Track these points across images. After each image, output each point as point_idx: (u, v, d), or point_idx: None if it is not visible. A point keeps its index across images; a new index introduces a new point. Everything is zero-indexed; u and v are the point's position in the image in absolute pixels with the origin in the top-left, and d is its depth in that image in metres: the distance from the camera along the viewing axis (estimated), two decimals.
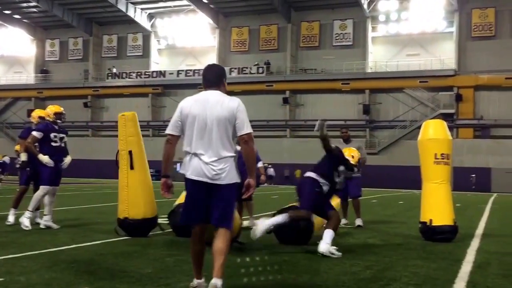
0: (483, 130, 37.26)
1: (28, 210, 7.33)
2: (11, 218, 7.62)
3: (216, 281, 3.55)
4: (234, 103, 3.71)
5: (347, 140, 9.03)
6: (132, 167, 6.86)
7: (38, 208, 7.69)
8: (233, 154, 3.70)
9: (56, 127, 7.68)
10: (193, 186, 3.67)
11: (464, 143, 36.76)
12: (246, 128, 3.70)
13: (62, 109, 7.90)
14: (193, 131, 3.68)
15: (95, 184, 28.02)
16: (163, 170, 3.81)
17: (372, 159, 37.97)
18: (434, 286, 4.35)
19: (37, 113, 8.10)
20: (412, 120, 38.09)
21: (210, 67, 4.00)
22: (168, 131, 3.81)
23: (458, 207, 15.67)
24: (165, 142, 3.79)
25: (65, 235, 6.84)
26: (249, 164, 3.76)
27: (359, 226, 8.84)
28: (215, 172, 3.62)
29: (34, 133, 7.48)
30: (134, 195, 6.84)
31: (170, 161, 3.78)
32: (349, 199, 9.22)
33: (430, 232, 7.16)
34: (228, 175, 3.65)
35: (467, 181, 35.54)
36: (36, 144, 7.49)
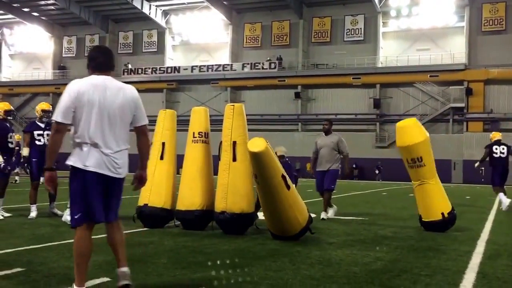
0: (493, 124, 37.27)
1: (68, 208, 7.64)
2: (33, 214, 7.81)
3: (125, 269, 3.51)
4: (135, 91, 3.49)
5: (327, 132, 9.04)
6: (162, 158, 7.13)
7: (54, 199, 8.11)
8: (128, 146, 3.49)
9: (42, 124, 8.15)
10: (92, 179, 3.29)
11: (474, 136, 37.03)
12: (145, 119, 3.52)
13: (50, 106, 8.31)
14: (91, 120, 3.29)
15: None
16: (49, 163, 3.35)
17: (382, 153, 38.75)
18: (445, 277, 4.32)
19: (41, 106, 8.38)
20: (423, 114, 38.36)
21: (105, 50, 3.57)
22: (59, 118, 3.26)
23: (468, 199, 15.96)
24: (53, 132, 3.32)
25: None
26: (144, 157, 3.61)
27: (323, 219, 8.56)
28: (117, 166, 3.37)
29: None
30: (158, 184, 7.01)
31: (57, 152, 3.36)
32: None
33: (424, 226, 7.54)
34: (125, 168, 3.46)
35: (477, 174, 35.91)
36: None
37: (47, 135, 7.81)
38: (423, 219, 7.56)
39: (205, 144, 7.12)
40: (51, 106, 8.31)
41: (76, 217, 3.35)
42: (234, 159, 6.55)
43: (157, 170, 7.04)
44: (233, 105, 6.84)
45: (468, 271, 4.62)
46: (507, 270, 4.70)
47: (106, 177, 3.34)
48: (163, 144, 7.17)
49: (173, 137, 7.33)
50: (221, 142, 6.73)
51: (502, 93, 37.39)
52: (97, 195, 3.33)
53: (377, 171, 37.94)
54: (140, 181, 3.61)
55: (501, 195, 11.75)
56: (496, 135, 12.12)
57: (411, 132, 7.39)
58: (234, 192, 6.48)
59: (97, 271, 4.18)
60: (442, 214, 7.39)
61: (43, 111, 8.20)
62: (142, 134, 3.54)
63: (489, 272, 4.60)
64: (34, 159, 8.01)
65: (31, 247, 5.25)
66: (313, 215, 8.89)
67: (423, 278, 4.26)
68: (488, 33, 37.99)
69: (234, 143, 6.58)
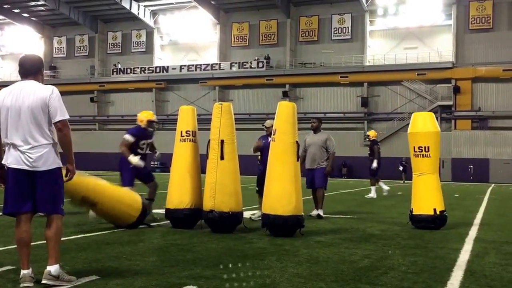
0: (481, 122, 37.46)
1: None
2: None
3: (50, 268, 3.68)
4: (47, 91, 3.74)
5: (315, 130, 9.14)
6: (222, 157, 6.64)
7: None
8: (50, 141, 3.75)
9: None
10: (14, 174, 3.69)
11: (462, 134, 37.21)
12: (59, 115, 3.72)
13: (155, 117, 8.04)
14: (7, 122, 3.71)
15: (102, 176, 28.62)
16: None
17: None
18: (432, 275, 4.35)
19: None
20: (410, 112, 38.06)
21: (26, 57, 3.91)
22: None
23: (456, 197, 16.07)
24: None
25: (72, 225, 6.95)
26: (65, 151, 3.82)
27: (319, 215, 8.77)
28: (32, 160, 3.67)
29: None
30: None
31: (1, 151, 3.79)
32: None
33: (413, 220, 7.57)
34: (47, 161, 3.71)
35: (466, 171, 36.05)
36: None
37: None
38: (413, 213, 7.56)
39: (192, 143, 7.20)
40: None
41: (7, 207, 3.78)
42: (222, 158, 6.59)
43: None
44: (221, 104, 6.87)
45: (456, 268, 4.65)
46: (494, 267, 4.73)
47: (25, 171, 3.69)
48: (222, 142, 6.66)
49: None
50: (209, 141, 6.81)
51: (489, 91, 37.48)
52: (21, 188, 3.70)
53: (401, 168, 31.51)
54: (66, 173, 3.85)
55: None
56: None
57: (425, 121, 7.64)
58: (222, 190, 6.51)
59: (86, 269, 4.28)
60: (434, 210, 7.43)
61: (148, 121, 7.87)
62: (57, 130, 3.78)
63: (476, 269, 4.63)
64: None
65: None
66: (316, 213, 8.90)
67: (410, 276, 4.27)
68: (475, 31, 38.06)
69: (222, 141, 6.63)
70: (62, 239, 3.87)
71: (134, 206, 6.83)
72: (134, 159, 7.49)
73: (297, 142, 6.53)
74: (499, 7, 37.59)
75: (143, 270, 4.29)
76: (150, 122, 7.87)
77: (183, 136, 7.19)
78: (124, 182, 7.64)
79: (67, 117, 3.77)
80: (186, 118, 7.31)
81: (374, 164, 14.29)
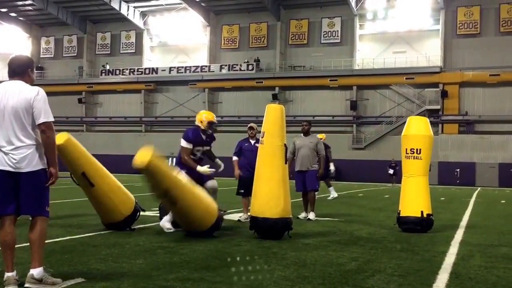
0: (468, 126, 37.83)
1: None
2: None
3: (33, 271, 3.64)
4: (32, 92, 3.70)
5: (306, 133, 9.11)
6: (286, 162, 6.44)
7: None
8: (34, 143, 3.70)
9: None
10: None
11: (449, 138, 37.55)
12: (43, 117, 3.67)
13: (214, 117, 7.27)
14: None
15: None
16: None
17: (359, 154, 38.99)
18: (418, 278, 4.38)
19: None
20: (398, 116, 38.73)
21: (15, 58, 3.88)
22: None
23: (442, 200, 16.10)
24: None
25: (59, 227, 6.88)
26: (48, 154, 3.75)
27: (309, 219, 8.82)
28: (15, 161, 3.62)
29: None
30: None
31: None
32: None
33: (400, 222, 7.59)
34: (31, 162, 3.66)
35: (453, 175, 36.38)
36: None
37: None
38: (401, 215, 7.58)
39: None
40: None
41: None
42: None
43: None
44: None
45: (442, 271, 4.68)
46: (479, 270, 4.77)
47: (9, 172, 3.64)
48: (285, 145, 6.39)
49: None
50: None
51: (476, 95, 37.89)
52: (4, 189, 3.64)
53: (391, 171, 30.19)
54: (49, 177, 3.78)
55: None
56: None
57: (419, 124, 7.78)
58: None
59: (72, 271, 4.24)
60: (422, 212, 7.47)
61: (209, 123, 7.08)
62: (41, 132, 3.72)
63: (462, 272, 4.66)
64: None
65: None
66: (311, 216, 8.97)
67: (396, 279, 4.31)
68: (463, 36, 38.50)
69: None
70: (48, 241, 3.91)
71: (210, 213, 6.39)
72: (203, 169, 6.87)
73: (285, 144, 6.44)
74: (486, 13, 38.06)
75: (130, 273, 4.27)
76: (210, 124, 7.10)
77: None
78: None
79: (51, 119, 3.72)
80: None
81: (332, 166, 14.41)
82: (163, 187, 5.76)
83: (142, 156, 5.46)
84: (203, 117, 7.09)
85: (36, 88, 3.73)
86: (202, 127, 7.07)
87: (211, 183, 7.06)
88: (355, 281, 4.17)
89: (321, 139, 14.57)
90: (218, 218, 6.44)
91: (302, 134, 9.13)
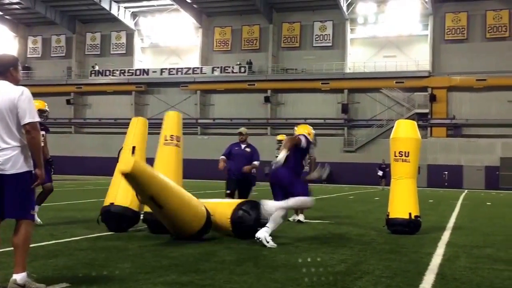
0: (455, 129, 38.60)
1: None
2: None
3: (16, 276, 3.54)
4: (16, 92, 3.63)
5: None
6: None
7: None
8: (19, 144, 3.63)
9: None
10: None
11: (438, 141, 38.31)
12: (28, 118, 3.60)
13: (46, 105, 7.68)
14: None
15: (77, 181, 27.20)
16: None
17: (349, 157, 39.53)
18: (405, 279, 4.47)
19: (37, 106, 7.67)
20: (389, 119, 39.23)
21: None
22: None
23: (431, 203, 16.48)
24: None
25: (44, 231, 6.77)
26: (34, 155, 3.68)
27: (299, 221, 8.89)
28: (0, 163, 3.55)
29: None
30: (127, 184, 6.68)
31: None
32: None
33: (388, 224, 7.79)
34: (15, 164, 3.58)
35: (441, 178, 37.16)
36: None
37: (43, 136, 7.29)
38: (389, 216, 7.78)
39: (176, 147, 7.45)
40: (46, 105, 7.64)
41: None
42: None
43: None
44: (137, 118, 7.76)
45: (428, 272, 4.78)
46: (464, 271, 4.88)
47: None
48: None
49: None
50: (121, 148, 7.37)
51: (464, 100, 38.73)
52: None
53: (380, 173, 28.90)
54: (34, 179, 3.69)
55: None
56: None
57: (407, 128, 7.99)
58: (126, 188, 6.56)
59: (57, 276, 4.14)
60: (410, 214, 7.65)
61: (40, 110, 7.37)
62: (25, 132, 3.64)
63: (447, 273, 4.77)
64: None
65: None
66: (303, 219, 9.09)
67: (384, 280, 4.39)
68: (450, 42, 39.36)
69: (134, 147, 7.35)
70: (32, 245, 3.75)
71: (198, 216, 6.48)
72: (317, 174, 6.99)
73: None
74: (473, 19, 38.97)
75: (117, 277, 4.17)
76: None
77: (167, 140, 7.40)
78: (298, 190, 6.47)
79: (36, 119, 3.65)
80: (171, 123, 7.55)
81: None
82: (149, 192, 5.79)
83: (126, 162, 5.60)
84: (308, 129, 7.32)
85: (21, 88, 3.66)
86: (311, 139, 7.03)
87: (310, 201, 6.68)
88: (344, 283, 4.22)
89: (281, 140, 14.33)
90: (206, 222, 6.46)
91: None
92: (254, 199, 6.97)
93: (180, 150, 7.41)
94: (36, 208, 7.21)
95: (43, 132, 7.25)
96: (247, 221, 6.55)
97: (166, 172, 6.82)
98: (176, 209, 6.13)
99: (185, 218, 6.26)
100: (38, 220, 7.36)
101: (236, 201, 7.13)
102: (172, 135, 7.31)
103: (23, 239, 3.58)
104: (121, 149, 7.28)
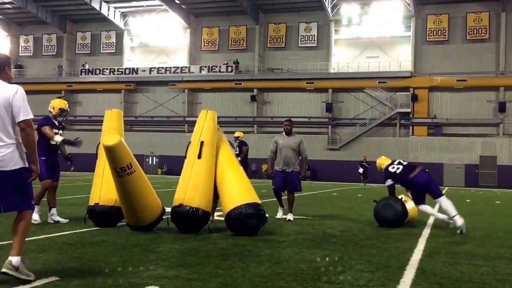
0: (436, 128, 39.47)
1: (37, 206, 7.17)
2: (35, 216, 7.19)
3: (11, 258, 3.65)
4: (11, 90, 3.69)
5: (289, 133, 8.91)
6: (199, 157, 6.86)
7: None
8: (14, 142, 3.72)
9: (56, 123, 7.45)
10: None
11: (419, 140, 39.21)
12: (22, 115, 3.67)
13: (66, 105, 7.66)
14: None
15: (67, 177, 26.93)
16: None
17: (333, 155, 40.47)
18: (386, 273, 4.51)
19: (60, 104, 7.56)
20: (372, 118, 40.42)
21: None
22: None
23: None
24: None
25: (34, 226, 6.74)
26: (29, 152, 3.76)
27: (289, 220, 8.62)
28: None
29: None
30: (195, 182, 6.75)
31: None
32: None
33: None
34: (10, 161, 3.67)
35: None
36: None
37: (61, 135, 7.41)
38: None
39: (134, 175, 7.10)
40: (67, 105, 7.68)
41: None
42: (199, 157, 6.84)
43: (194, 169, 6.84)
44: (207, 111, 7.30)
45: (408, 267, 4.85)
46: (444, 266, 4.98)
47: None
48: (202, 143, 6.95)
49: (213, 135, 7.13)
50: (189, 142, 7.11)
51: (444, 99, 39.66)
52: None
53: (360, 170, 29.99)
54: (30, 174, 3.83)
55: None
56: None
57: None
58: (194, 187, 6.67)
59: (46, 270, 4.20)
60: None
61: (60, 110, 7.47)
62: (20, 130, 3.74)
63: (427, 268, 4.84)
64: (43, 158, 7.04)
65: None
66: (292, 217, 9.16)
67: (365, 274, 4.46)
68: (432, 43, 40.29)
69: (202, 142, 6.91)
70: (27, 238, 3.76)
71: (157, 205, 6.83)
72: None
73: (201, 142, 6.91)
74: (454, 21, 39.95)
75: (105, 271, 4.25)
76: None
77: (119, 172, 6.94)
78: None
79: (30, 117, 3.71)
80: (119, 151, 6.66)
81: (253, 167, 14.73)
82: (127, 160, 6.31)
83: (111, 138, 6.27)
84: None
85: (15, 86, 3.73)
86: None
87: None
88: (327, 277, 4.29)
89: (238, 137, 14.18)
90: (161, 213, 6.87)
91: (284, 133, 8.95)
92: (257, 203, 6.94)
93: (139, 174, 6.70)
94: (37, 208, 7.28)
95: (60, 132, 7.46)
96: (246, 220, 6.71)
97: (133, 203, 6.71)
98: (143, 192, 6.60)
99: (148, 202, 6.63)
100: (37, 219, 7.30)
101: (250, 197, 6.88)
102: (122, 167, 6.34)
103: (25, 226, 3.75)
104: (98, 144, 7.18)
